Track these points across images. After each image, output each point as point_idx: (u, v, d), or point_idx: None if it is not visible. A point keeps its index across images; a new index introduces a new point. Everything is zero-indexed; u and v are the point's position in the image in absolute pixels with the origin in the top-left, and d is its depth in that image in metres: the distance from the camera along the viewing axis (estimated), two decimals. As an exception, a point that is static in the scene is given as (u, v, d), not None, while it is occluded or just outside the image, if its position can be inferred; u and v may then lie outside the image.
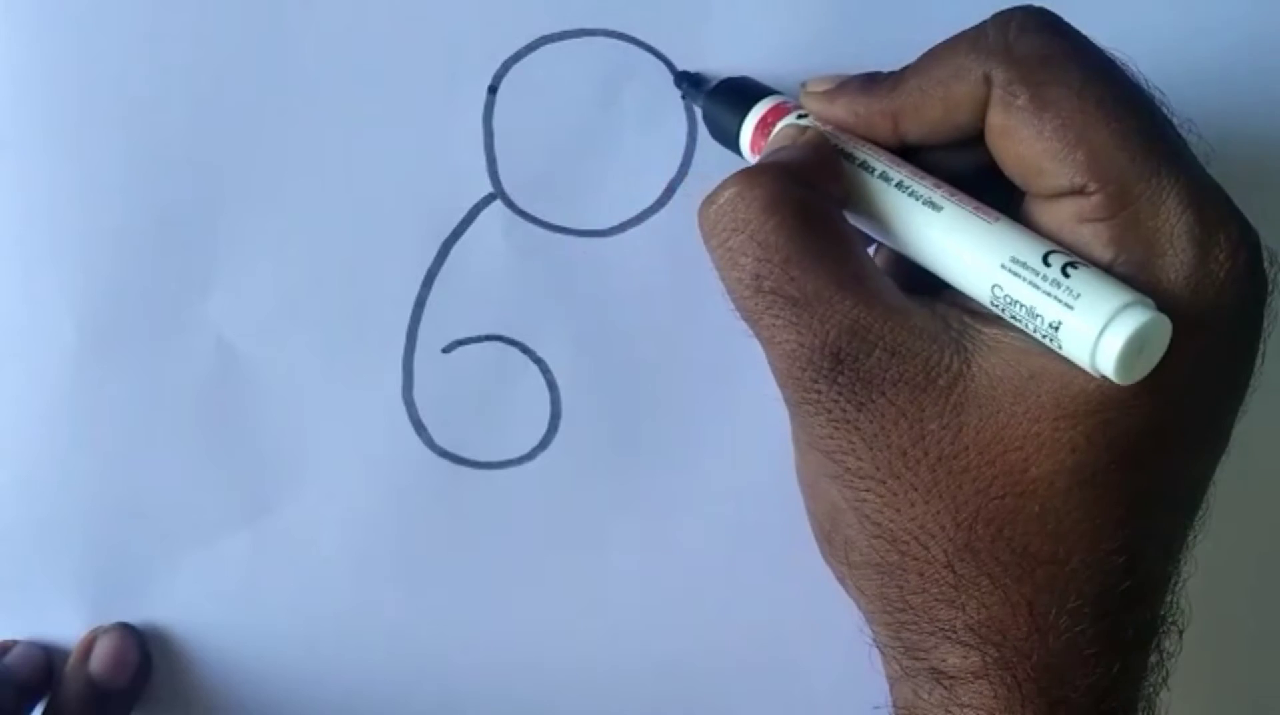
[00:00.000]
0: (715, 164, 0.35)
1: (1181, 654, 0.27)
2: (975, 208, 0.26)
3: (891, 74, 0.28)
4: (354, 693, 0.37)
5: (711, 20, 0.34)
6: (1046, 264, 0.24)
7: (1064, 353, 0.24)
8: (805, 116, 0.30)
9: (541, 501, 0.36)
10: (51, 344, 0.35)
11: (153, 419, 0.36)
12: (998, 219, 0.26)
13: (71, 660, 0.36)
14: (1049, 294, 0.24)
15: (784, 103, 0.31)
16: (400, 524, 0.36)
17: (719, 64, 0.34)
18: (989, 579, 0.25)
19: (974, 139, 0.27)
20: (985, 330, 0.26)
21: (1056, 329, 0.24)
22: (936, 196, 0.26)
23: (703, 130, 0.34)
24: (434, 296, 0.36)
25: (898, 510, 0.26)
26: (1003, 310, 0.25)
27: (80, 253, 0.35)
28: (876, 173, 0.27)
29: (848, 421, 0.26)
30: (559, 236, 0.35)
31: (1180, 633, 0.27)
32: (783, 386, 0.27)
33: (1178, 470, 0.26)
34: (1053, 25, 0.26)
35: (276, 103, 0.35)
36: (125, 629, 0.36)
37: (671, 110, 0.35)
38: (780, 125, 0.30)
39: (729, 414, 0.36)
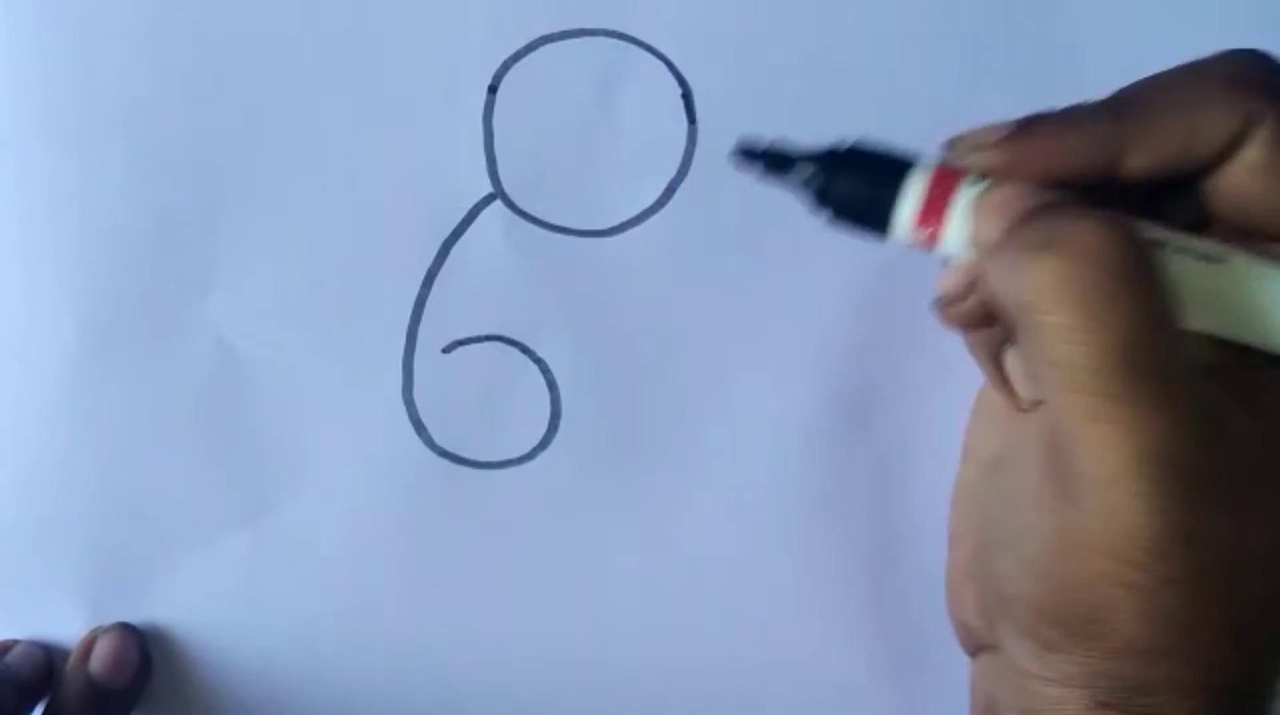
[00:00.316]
0: (715, 164, 0.35)
1: None
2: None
3: (1095, 104, 0.25)
4: (354, 693, 0.36)
5: (712, 19, 0.34)
6: None
7: None
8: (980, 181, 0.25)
9: (542, 501, 0.36)
10: (52, 344, 0.35)
11: (153, 419, 0.36)
12: None
13: (72, 660, 0.36)
14: None
15: (943, 167, 0.25)
16: (401, 524, 0.36)
17: (721, 66, 0.34)
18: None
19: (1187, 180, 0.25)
20: None
21: None
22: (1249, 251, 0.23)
23: (703, 129, 0.34)
24: (434, 296, 0.36)
25: (1200, 608, 0.23)
26: None
27: (80, 253, 0.35)
28: (1167, 241, 0.23)
29: (1186, 534, 0.22)
30: (559, 236, 0.35)
31: None
32: (1115, 480, 0.22)
33: None
34: None
35: (276, 103, 0.35)
36: (125, 629, 0.36)
37: (671, 110, 0.35)
38: (977, 197, 0.25)
39: (729, 414, 0.36)
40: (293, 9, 0.34)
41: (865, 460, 0.35)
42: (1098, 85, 0.25)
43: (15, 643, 0.36)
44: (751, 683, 0.36)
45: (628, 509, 0.36)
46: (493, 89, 0.35)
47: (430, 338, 0.36)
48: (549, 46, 0.35)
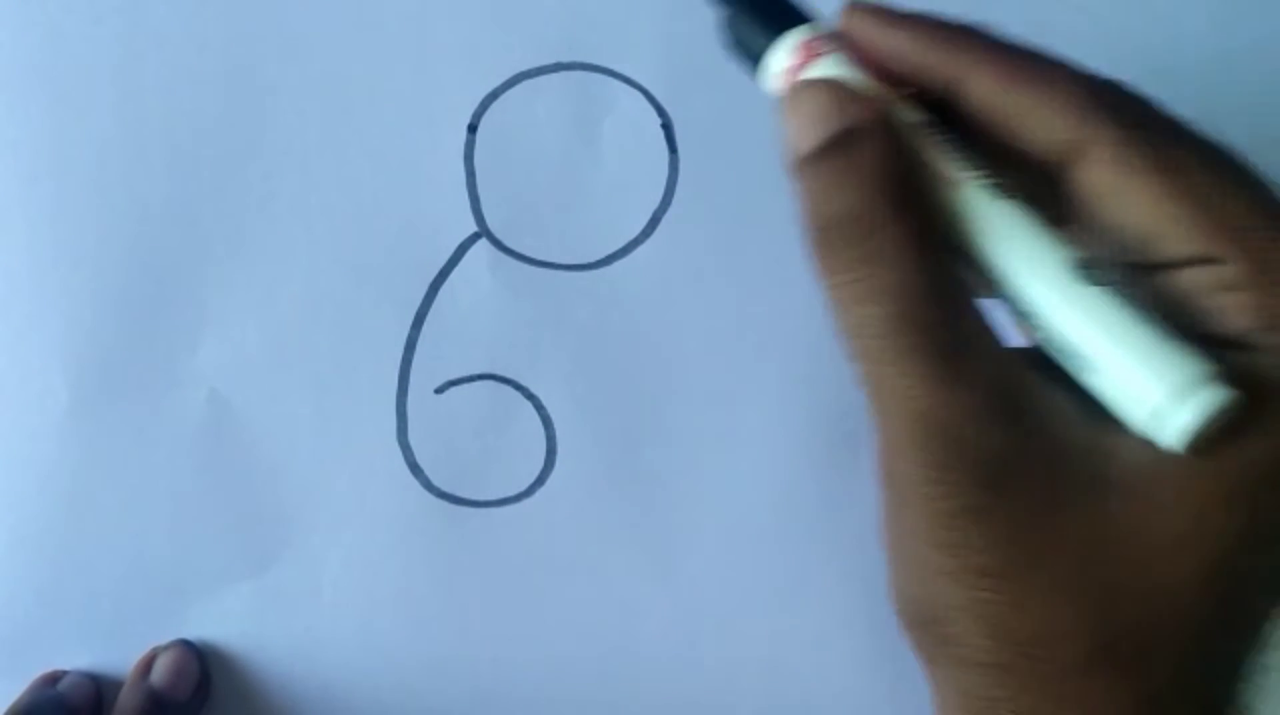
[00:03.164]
0: (698, 193, 0.35)
1: None
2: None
3: (977, 32, 0.25)
4: (364, 738, 0.36)
5: (689, 49, 0.35)
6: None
7: (1110, 400, 0.23)
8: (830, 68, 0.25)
9: (541, 537, 0.36)
10: (44, 404, 0.35)
11: (149, 474, 0.36)
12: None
13: (131, 676, 0.36)
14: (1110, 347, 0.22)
15: (819, 36, 0.25)
16: (402, 567, 0.36)
17: (700, 95, 0.34)
18: (1119, 681, 0.23)
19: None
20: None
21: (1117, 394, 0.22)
22: (998, 185, 0.24)
23: (684, 159, 0.34)
24: (424, 337, 0.36)
25: (1025, 611, 0.23)
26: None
27: (67, 312, 0.35)
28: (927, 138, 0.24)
29: (978, 514, 0.23)
30: (545, 271, 0.35)
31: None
32: (900, 458, 0.23)
33: None
34: (1159, 105, 0.24)
35: (257, 152, 0.35)
36: (185, 645, 0.36)
37: (652, 140, 0.35)
38: (811, 76, 0.25)
39: (724, 441, 0.35)
40: (271, 58, 0.35)
41: (860, 482, 0.35)
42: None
43: (65, 673, 0.36)
44: (755, 709, 0.36)
45: (627, 540, 0.36)
46: (472, 128, 0.35)
47: (422, 379, 0.36)
48: (527, 83, 0.35)
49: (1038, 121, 0.24)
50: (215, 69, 0.35)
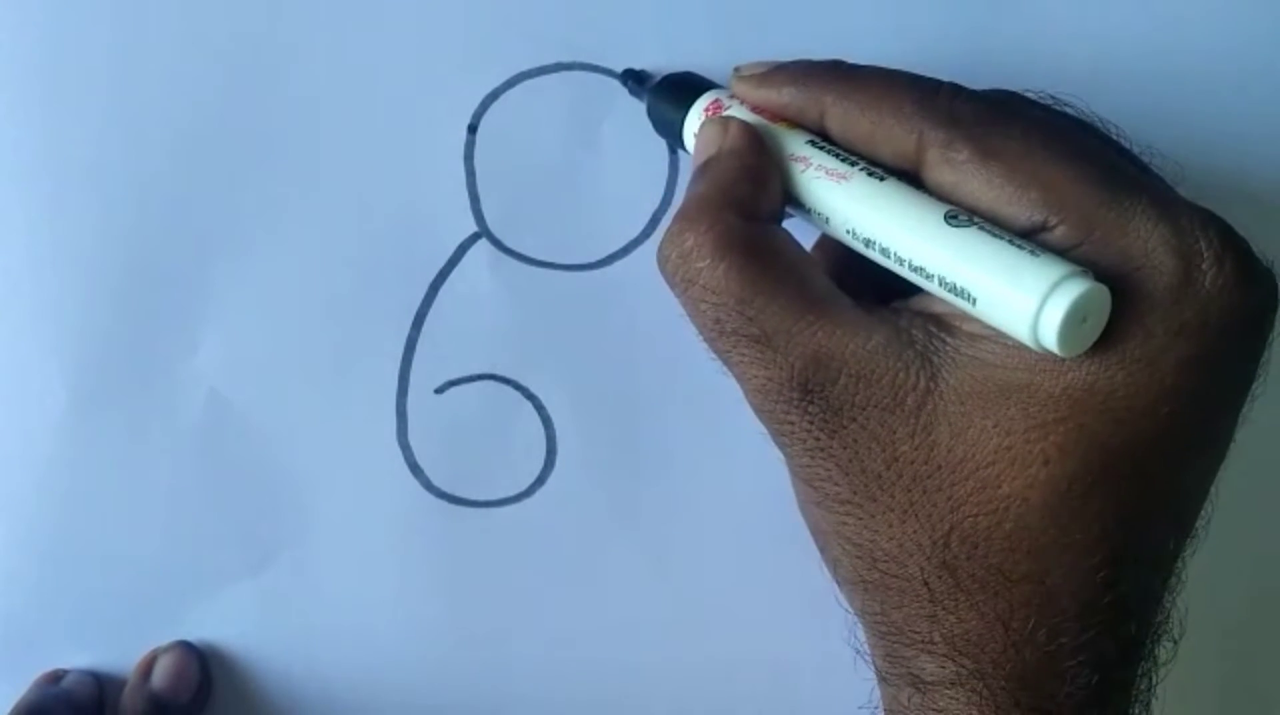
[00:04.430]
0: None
1: (1177, 660, 0.27)
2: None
3: (832, 68, 0.29)
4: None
5: (688, 47, 0.34)
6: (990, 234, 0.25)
7: (997, 326, 0.24)
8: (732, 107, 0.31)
9: (542, 537, 0.36)
10: (44, 405, 0.35)
11: (149, 475, 0.36)
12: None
13: (132, 679, 0.36)
14: (995, 258, 0.24)
15: (720, 98, 0.31)
16: (403, 567, 0.36)
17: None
18: (965, 595, 0.25)
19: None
20: (950, 341, 0.26)
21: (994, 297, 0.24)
22: (869, 170, 0.27)
23: (684, 159, 0.34)
24: (424, 337, 0.36)
25: (875, 532, 0.26)
26: (939, 281, 0.25)
27: (66, 312, 0.35)
28: (806, 159, 0.28)
29: (822, 449, 0.26)
30: (546, 271, 0.35)
31: (1175, 641, 0.27)
32: (761, 420, 0.28)
33: (1166, 480, 0.25)
34: (989, 91, 0.27)
35: (257, 152, 0.35)
36: (185, 646, 0.36)
37: (652, 140, 0.34)
38: (703, 124, 0.30)
39: (724, 441, 0.35)
40: (271, 58, 0.34)
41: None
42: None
43: (66, 672, 0.36)
44: (758, 704, 0.36)
45: (628, 539, 0.36)
46: (472, 128, 0.35)
47: (422, 379, 0.36)
48: (527, 83, 0.35)
49: (882, 139, 0.27)
50: (215, 69, 0.35)
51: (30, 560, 0.36)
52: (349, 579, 0.36)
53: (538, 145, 0.35)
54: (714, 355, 0.28)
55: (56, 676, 0.36)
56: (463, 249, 0.35)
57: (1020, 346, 0.24)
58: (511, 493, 0.36)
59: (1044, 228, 0.25)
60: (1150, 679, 0.27)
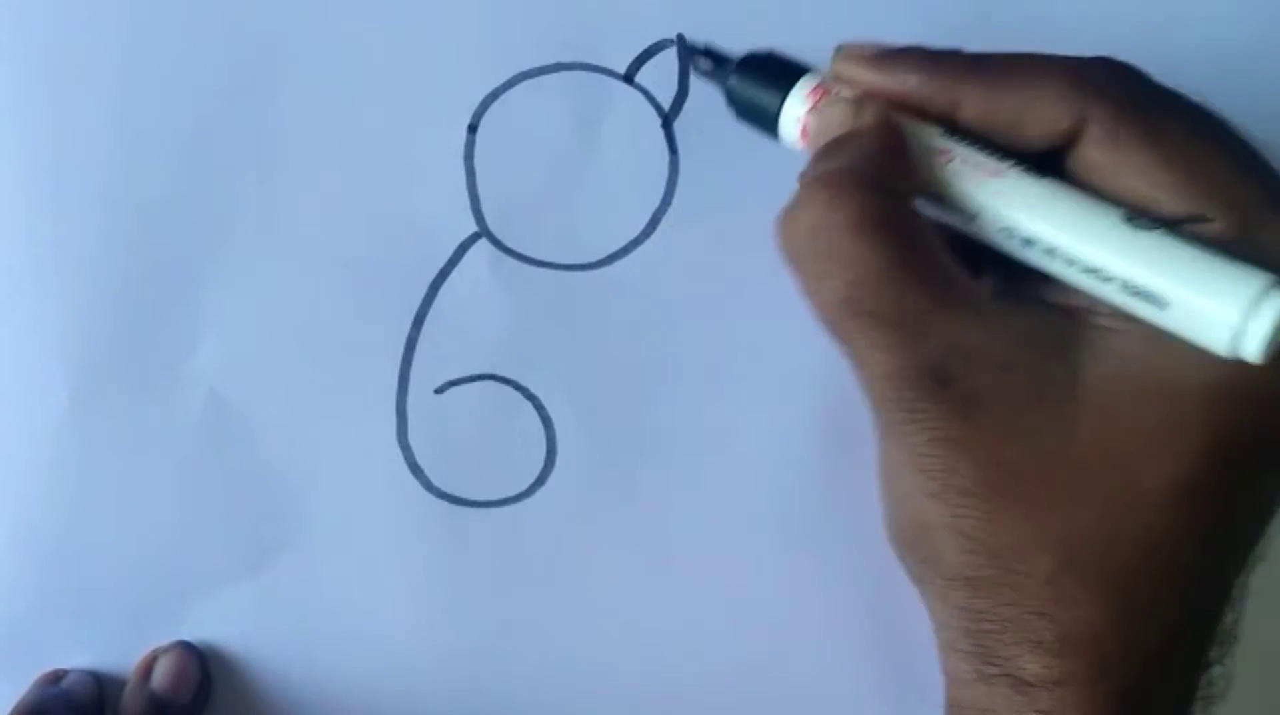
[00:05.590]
0: (698, 193, 0.35)
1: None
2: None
3: (960, 55, 0.27)
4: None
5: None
6: (1163, 234, 0.24)
7: (1184, 333, 0.24)
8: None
9: (542, 537, 0.36)
10: (46, 405, 0.35)
11: (149, 475, 0.36)
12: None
13: (132, 680, 0.36)
14: (1176, 269, 0.24)
15: (824, 81, 0.29)
16: (402, 568, 0.36)
17: (700, 94, 0.34)
18: (1088, 592, 0.25)
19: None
20: (1089, 334, 0.25)
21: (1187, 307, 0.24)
22: (1023, 166, 0.26)
23: (684, 158, 0.34)
24: (424, 337, 0.36)
25: (1000, 525, 0.25)
26: (1120, 285, 0.24)
27: (67, 312, 0.35)
28: (947, 151, 0.26)
29: (953, 439, 0.25)
30: (546, 272, 0.35)
31: (1223, 665, 0.27)
32: (879, 406, 0.26)
33: (1272, 485, 0.25)
34: (1147, 76, 0.26)
35: (257, 152, 0.35)
36: (186, 647, 0.36)
37: (652, 140, 0.35)
38: (825, 105, 0.28)
39: (725, 440, 0.35)
40: (272, 58, 0.35)
41: (860, 481, 0.35)
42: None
43: (66, 672, 0.36)
44: (755, 709, 0.36)
45: (628, 540, 0.36)
46: (472, 128, 0.35)
47: (422, 379, 0.36)
48: (527, 83, 0.35)
49: (1032, 119, 0.26)
50: (216, 69, 0.35)
51: (31, 560, 0.36)
52: (349, 579, 0.36)
53: (538, 145, 0.35)
54: (833, 335, 0.27)
55: (56, 676, 0.36)
56: (463, 249, 0.35)
57: (1161, 341, 0.24)
58: (511, 493, 0.36)
59: (1202, 220, 0.24)
60: (1220, 684, 0.26)
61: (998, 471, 0.25)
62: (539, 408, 0.36)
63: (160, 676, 0.35)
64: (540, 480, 0.36)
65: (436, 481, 0.36)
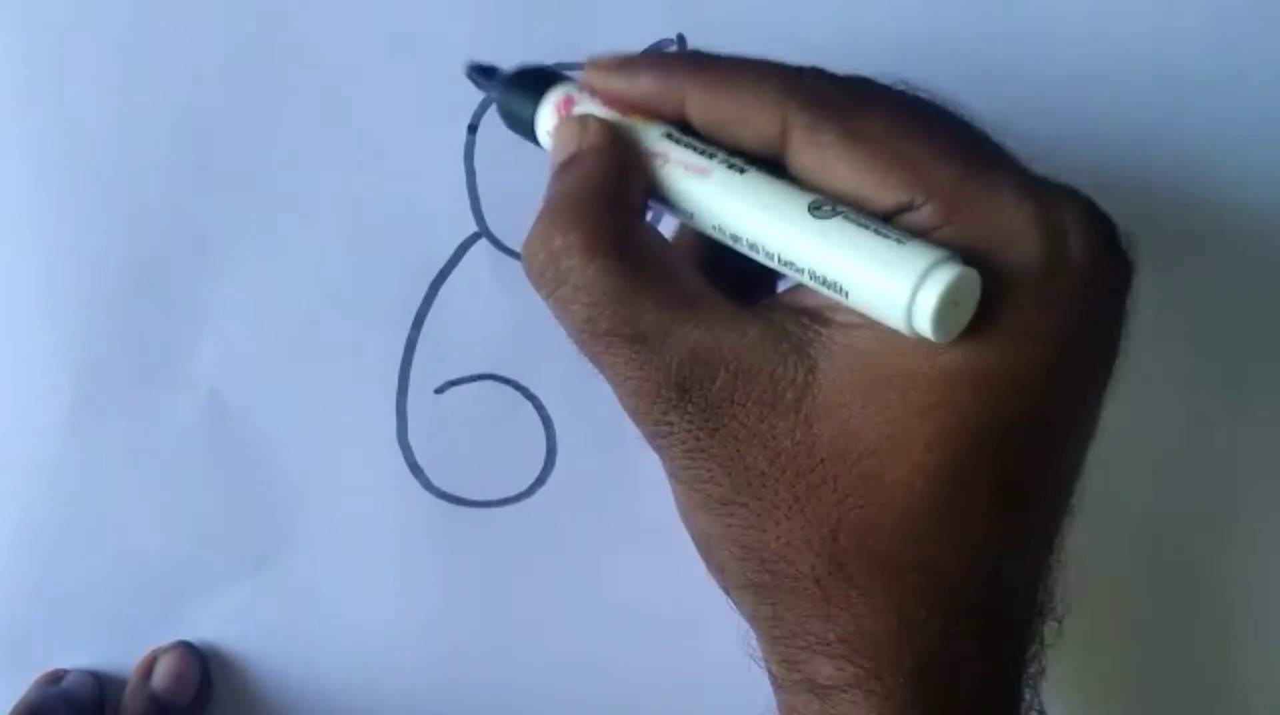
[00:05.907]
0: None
1: (1062, 640, 0.27)
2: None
3: (690, 57, 0.28)
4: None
5: (691, 46, 0.35)
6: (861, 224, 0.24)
7: (873, 316, 0.24)
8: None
9: (542, 537, 0.36)
10: (49, 406, 0.35)
11: (150, 475, 0.36)
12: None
13: (132, 680, 0.36)
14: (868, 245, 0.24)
15: (572, 92, 0.30)
16: (403, 567, 0.36)
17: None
18: (856, 590, 0.25)
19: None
20: (825, 332, 0.25)
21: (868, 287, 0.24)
22: (729, 163, 0.26)
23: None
24: (424, 337, 0.36)
25: (763, 531, 0.25)
26: (809, 275, 0.25)
27: (70, 313, 0.35)
28: (664, 154, 0.27)
29: (702, 450, 0.26)
30: (546, 272, 0.35)
31: (1059, 622, 0.27)
32: (636, 423, 0.27)
33: (1044, 457, 0.25)
34: (847, 77, 0.26)
35: (258, 152, 0.35)
36: (186, 647, 0.36)
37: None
38: (558, 126, 0.29)
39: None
40: (272, 58, 0.35)
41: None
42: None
43: (66, 672, 0.36)
44: (756, 709, 0.36)
45: (627, 539, 0.36)
46: (472, 128, 0.35)
47: (422, 379, 0.36)
48: (526, 82, 0.35)
49: (746, 125, 0.26)
50: (217, 70, 0.35)
51: (31, 560, 0.36)
52: (349, 579, 0.36)
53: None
54: (586, 358, 0.27)
55: (56, 676, 0.36)
56: (463, 249, 0.35)
57: (894, 333, 0.24)
58: (511, 493, 0.36)
59: (910, 207, 0.25)
60: (1039, 662, 0.26)
61: (749, 477, 0.25)
62: (539, 408, 0.36)
63: (160, 676, 0.35)
64: (540, 480, 0.36)
65: (436, 481, 0.36)
